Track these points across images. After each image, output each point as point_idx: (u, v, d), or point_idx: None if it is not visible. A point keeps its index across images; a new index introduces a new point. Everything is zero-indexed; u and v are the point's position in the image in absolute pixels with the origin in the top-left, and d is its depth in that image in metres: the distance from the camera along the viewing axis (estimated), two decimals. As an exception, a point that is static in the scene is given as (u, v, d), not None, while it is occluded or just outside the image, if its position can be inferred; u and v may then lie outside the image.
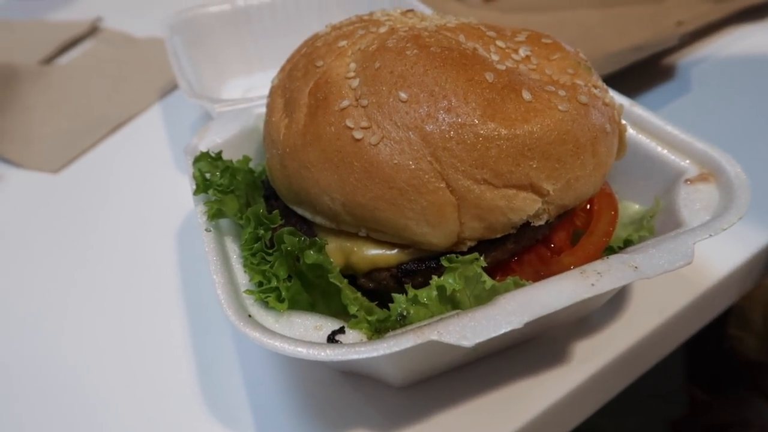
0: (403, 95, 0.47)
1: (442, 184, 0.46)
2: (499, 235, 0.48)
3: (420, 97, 0.47)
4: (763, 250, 0.67)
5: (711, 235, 0.46)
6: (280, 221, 0.51)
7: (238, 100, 0.75)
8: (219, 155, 0.59)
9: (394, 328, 0.44)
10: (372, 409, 0.54)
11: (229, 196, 0.55)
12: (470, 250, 0.49)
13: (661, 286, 0.61)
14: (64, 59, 1.29)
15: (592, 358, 0.57)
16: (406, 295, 0.46)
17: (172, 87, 1.12)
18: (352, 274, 0.51)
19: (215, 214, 0.54)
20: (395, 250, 0.49)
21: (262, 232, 0.49)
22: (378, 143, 0.46)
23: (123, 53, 1.29)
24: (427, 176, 0.46)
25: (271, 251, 0.48)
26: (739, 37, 1.12)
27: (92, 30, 1.40)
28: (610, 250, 0.54)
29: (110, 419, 0.57)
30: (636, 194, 0.61)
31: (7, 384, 0.62)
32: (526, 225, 0.49)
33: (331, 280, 0.45)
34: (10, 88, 1.12)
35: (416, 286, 0.48)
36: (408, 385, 0.54)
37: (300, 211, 0.53)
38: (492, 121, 0.46)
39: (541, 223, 0.49)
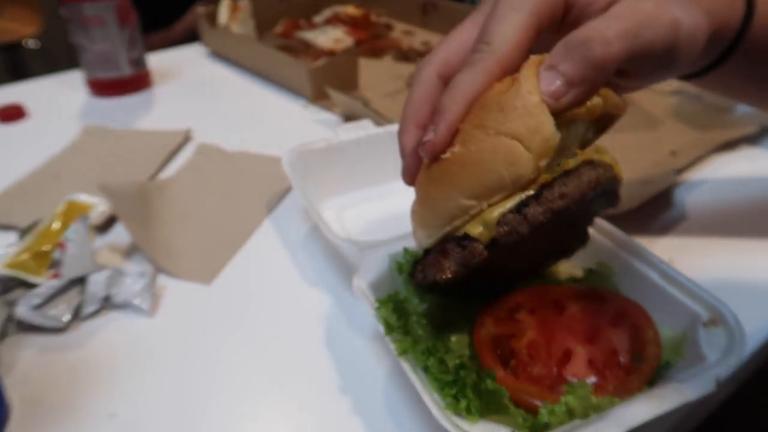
0: None
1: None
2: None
3: None
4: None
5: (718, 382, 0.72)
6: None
7: (382, 241, 1.00)
8: (396, 296, 0.85)
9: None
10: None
11: (408, 337, 0.81)
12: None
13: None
14: (168, 171, 1.52)
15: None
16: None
17: (277, 201, 1.39)
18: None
19: (402, 352, 0.81)
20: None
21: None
22: (458, 148, 0.66)
23: (221, 167, 1.52)
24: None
25: (452, 375, 0.76)
26: (722, 164, 1.38)
27: (185, 140, 1.65)
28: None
29: None
30: (664, 321, 0.83)
31: None
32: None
33: (505, 402, 0.74)
34: (144, 204, 1.32)
35: (536, 215, 0.64)
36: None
37: (444, 230, 0.71)
38: None
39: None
